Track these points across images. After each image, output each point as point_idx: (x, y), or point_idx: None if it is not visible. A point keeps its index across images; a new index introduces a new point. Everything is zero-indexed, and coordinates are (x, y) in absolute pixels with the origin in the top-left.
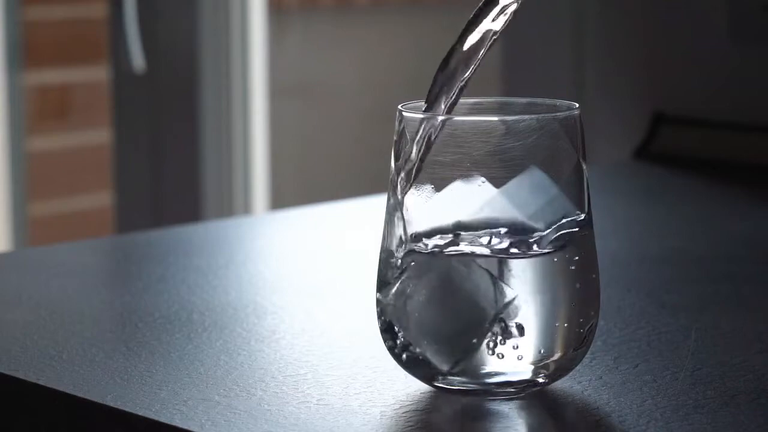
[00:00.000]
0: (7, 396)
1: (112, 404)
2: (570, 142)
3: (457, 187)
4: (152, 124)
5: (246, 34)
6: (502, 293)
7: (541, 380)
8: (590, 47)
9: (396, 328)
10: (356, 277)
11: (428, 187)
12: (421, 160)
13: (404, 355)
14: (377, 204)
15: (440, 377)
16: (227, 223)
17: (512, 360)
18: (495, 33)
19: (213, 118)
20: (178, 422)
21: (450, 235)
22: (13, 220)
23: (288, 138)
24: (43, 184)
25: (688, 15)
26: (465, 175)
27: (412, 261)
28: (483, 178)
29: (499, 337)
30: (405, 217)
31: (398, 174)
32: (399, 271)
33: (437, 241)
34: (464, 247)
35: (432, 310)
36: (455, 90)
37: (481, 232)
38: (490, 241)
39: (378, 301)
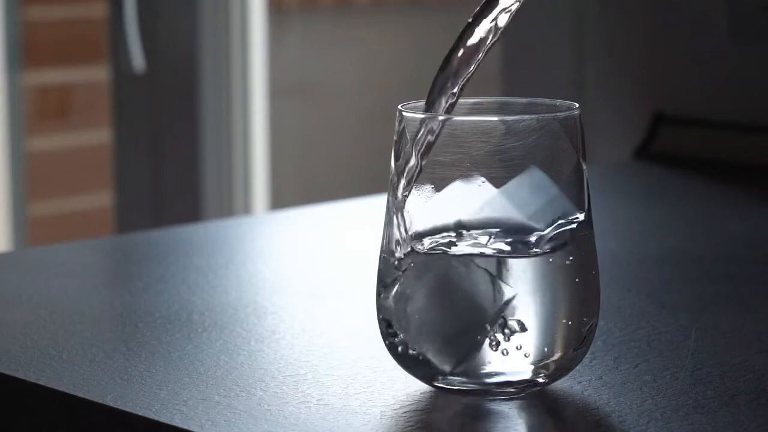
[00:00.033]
0: (7, 396)
1: (112, 404)
2: (570, 142)
3: (457, 187)
4: (152, 124)
5: (246, 34)
6: (501, 292)
7: (541, 380)
8: (590, 47)
9: (396, 329)
10: (356, 277)
11: (428, 187)
12: (422, 160)
13: (405, 356)
14: (377, 204)
15: (440, 377)
16: (227, 223)
17: (516, 358)
18: (496, 33)
19: (213, 118)
20: (178, 422)
21: (450, 235)
22: (13, 220)
23: (288, 138)
24: (43, 184)
25: (688, 15)
26: (465, 175)
27: (412, 261)
28: (483, 178)
29: (501, 336)
30: (405, 218)
31: (398, 174)
32: (399, 272)
33: (437, 241)
34: (464, 247)
35: (432, 311)
36: (456, 90)
37: (481, 232)
38: (489, 241)
39: (378, 302)
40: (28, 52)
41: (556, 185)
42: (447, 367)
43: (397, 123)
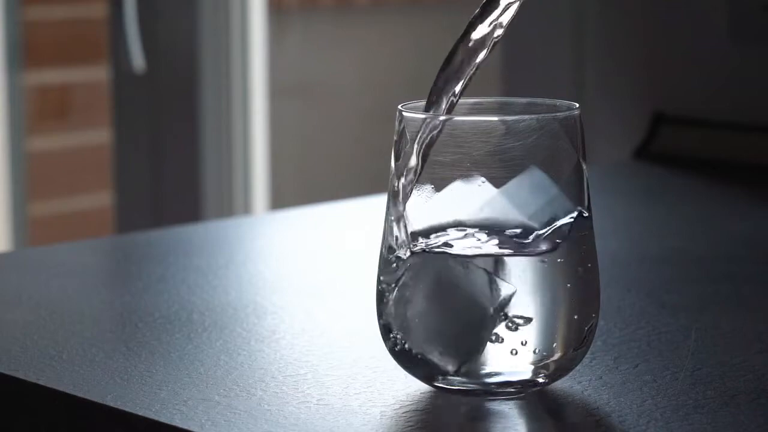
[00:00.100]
0: (7, 396)
1: (112, 404)
2: (570, 142)
3: (457, 187)
4: (152, 124)
5: (246, 34)
6: (498, 290)
7: (541, 380)
8: (590, 47)
9: (397, 330)
10: (356, 277)
11: (428, 187)
12: (423, 159)
13: (405, 356)
14: (377, 204)
15: (440, 377)
16: (227, 223)
17: (516, 358)
18: (497, 33)
19: (213, 118)
20: (178, 422)
21: (449, 235)
22: (13, 220)
23: (288, 138)
24: (43, 184)
25: (688, 15)
26: (465, 175)
27: (412, 262)
28: (483, 178)
29: (506, 333)
30: (405, 218)
31: (398, 174)
32: (399, 272)
33: (437, 241)
34: (463, 247)
35: (433, 312)
36: (458, 89)
37: (480, 231)
38: (489, 241)
39: (378, 303)
40: (28, 52)
41: (556, 185)
42: (451, 368)
43: (397, 123)
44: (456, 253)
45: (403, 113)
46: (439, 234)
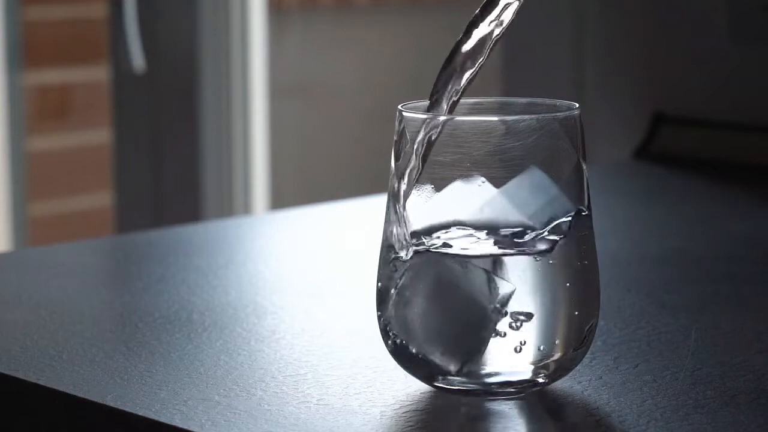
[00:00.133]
0: (7, 396)
1: (112, 404)
2: (570, 142)
3: (457, 187)
4: (152, 124)
5: (246, 34)
6: (498, 288)
7: (541, 380)
8: (590, 47)
9: (397, 331)
10: (356, 277)
11: (428, 187)
12: (423, 159)
13: (405, 356)
14: (377, 204)
15: (440, 377)
16: (227, 223)
17: (516, 358)
18: (498, 31)
19: (213, 118)
20: (178, 422)
21: (449, 236)
22: (13, 220)
23: (288, 138)
24: (43, 184)
25: (688, 15)
26: (465, 175)
27: (412, 262)
28: (483, 178)
29: (508, 330)
30: (405, 218)
31: (398, 174)
32: (399, 272)
33: (437, 241)
34: (463, 248)
35: (433, 313)
36: (458, 89)
37: (480, 232)
38: (489, 241)
39: (378, 303)
40: (28, 52)
41: (556, 185)
42: (453, 367)
43: (397, 123)
44: (455, 253)
45: (403, 113)
46: (438, 234)
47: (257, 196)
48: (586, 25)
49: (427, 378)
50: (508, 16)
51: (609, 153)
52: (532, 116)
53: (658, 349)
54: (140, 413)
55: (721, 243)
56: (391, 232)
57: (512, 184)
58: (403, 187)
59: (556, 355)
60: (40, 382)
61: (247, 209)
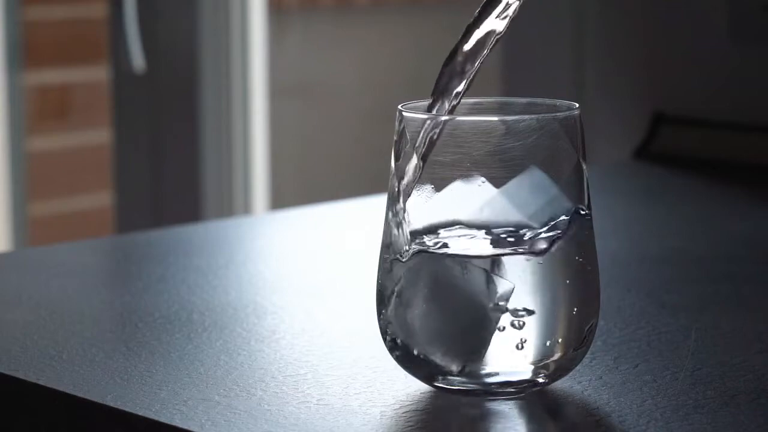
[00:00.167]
0: (7, 396)
1: (112, 404)
2: (570, 142)
3: (457, 187)
4: (152, 124)
5: (246, 34)
6: (496, 287)
7: (541, 380)
8: (590, 47)
9: (398, 331)
10: (356, 277)
11: (428, 187)
12: (424, 159)
13: (406, 356)
14: (377, 204)
15: (440, 377)
16: (227, 223)
17: (521, 356)
18: (499, 30)
19: (213, 118)
20: (178, 422)
21: (449, 236)
22: (13, 220)
23: (288, 138)
24: (43, 184)
25: (688, 15)
26: (465, 175)
27: (411, 263)
28: (483, 178)
29: (510, 328)
30: (405, 218)
31: (398, 174)
32: (398, 275)
33: (437, 241)
34: (463, 248)
35: (433, 314)
36: (460, 89)
37: (480, 232)
38: (490, 242)
39: (378, 304)
40: (28, 52)
41: (556, 185)
42: (455, 368)
43: (397, 123)
44: (454, 254)
45: (403, 113)
46: (438, 234)
47: (257, 196)
48: (586, 25)
49: (427, 378)
50: (508, 16)
51: (609, 153)
52: (532, 116)
53: (658, 349)
54: (140, 413)
55: (721, 243)
56: (391, 232)
57: (512, 184)
58: (404, 187)
59: (556, 355)
60: (40, 382)
61: (247, 209)
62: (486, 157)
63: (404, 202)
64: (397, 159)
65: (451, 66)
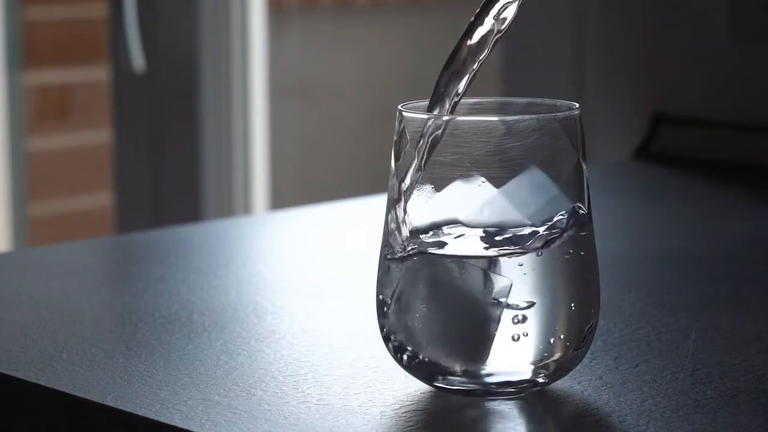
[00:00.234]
0: (7, 396)
1: (112, 404)
2: (570, 142)
3: (457, 187)
4: (152, 124)
5: (246, 34)
6: (493, 284)
7: (541, 380)
8: (590, 47)
9: (398, 333)
10: (356, 277)
11: (428, 187)
12: (424, 160)
13: (408, 360)
14: (377, 204)
15: (440, 377)
16: (227, 223)
17: (521, 356)
18: (500, 27)
19: (213, 118)
20: (178, 422)
21: (448, 236)
22: (13, 220)
23: (288, 138)
24: (43, 184)
25: (688, 15)
26: (465, 175)
27: (410, 265)
28: (483, 178)
29: (511, 322)
30: (405, 218)
31: (398, 174)
32: (398, 277)
33: (437, 241)
34: (463, 248)
35: (433, 315)
36: (460, 88)
37: (480, 232)
38: (490, 241)
39: (378, 304)
40: (28, 52)
41: (556, 185)
42: (458, 368)
43: (397, 123)
44: (453, 254)
45: (403, 113)
46: (438, 234)
47: (257, 196)
48: (586, 25)
49: (427, 378)
50: (508, 15)
51: (609, 153)
52: (532, 116)
53: (658, 349)
54: (140, 413)
55: (721, 243)
56: (391, 232)
57: (512, 184)
58: (403, 189)
59: (556, 355)
60: (40, 382)
61: (247, 209)
62: (486, 157)
63: (404, 202)
64: (397, 159)
65: (452, 66)
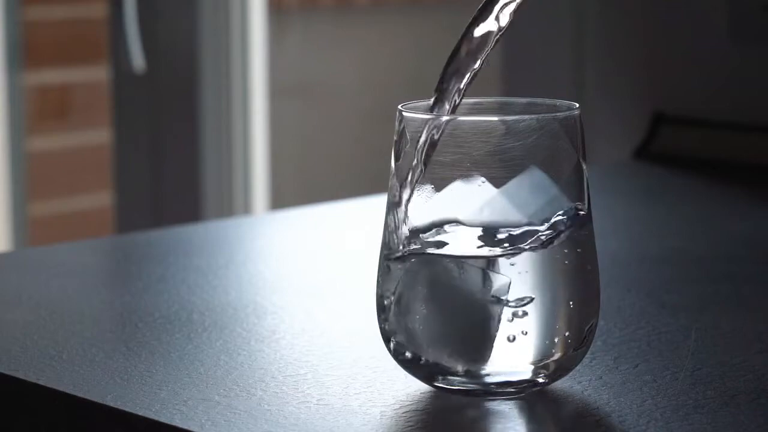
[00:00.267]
0: (7, 396)
1: (112, 404)
2: (570, 142)
3: (457, 187)
4: (152, 124)
5: (246, 34)
6: (492, 283)
7: (541, 380)
8: (590, 47)
9: (398, 333)
10: (356, 277)
11: (428, 187)
12: (425, 160)
13: (409, 361)
14: (377, 204)
15: (440, 377)
16: (227, 223)
17: (521, 355)
18: (501, 24)
19: (213, 118)
20: (178, 422)
21: (448, 236)
22: (13, 220)
23: (288, 138)
24: (43, 184)
25: (688, 15)
26: (465, 175)
27: (410, 266)
28: (483, 178)
29: (512, 318)
30: (405, 218)
31: (399, 174)
32: (398, 278)
33: (434, 242)
34: (463, 248)
35: (434, 318)
36: (461, 88)
37: (480, 231)
38: (489, 241)
39: (378, 305)
40: (28, 52)
41: (556, 185)
42: (461, 368)
43: (397, 123)
44: (453, 254)
45: (403, 113)
46: (437, 234)
47: (257, 196)
48: (586, 25)
49: (427, 378)
50: (508, 15)
51: (609, 153)
52: (532, 116)
53: (658, 349)
54: (140, 413)
55: (721, 243)
56: (391, 232)
57: (512, 184)
58: (403, 189)
59: (556, 355)
60: (40, 382)
61: (247, 209)
62: (486, 157)
63: (404, 202)
64: (397, 159)
65: (453, 66)
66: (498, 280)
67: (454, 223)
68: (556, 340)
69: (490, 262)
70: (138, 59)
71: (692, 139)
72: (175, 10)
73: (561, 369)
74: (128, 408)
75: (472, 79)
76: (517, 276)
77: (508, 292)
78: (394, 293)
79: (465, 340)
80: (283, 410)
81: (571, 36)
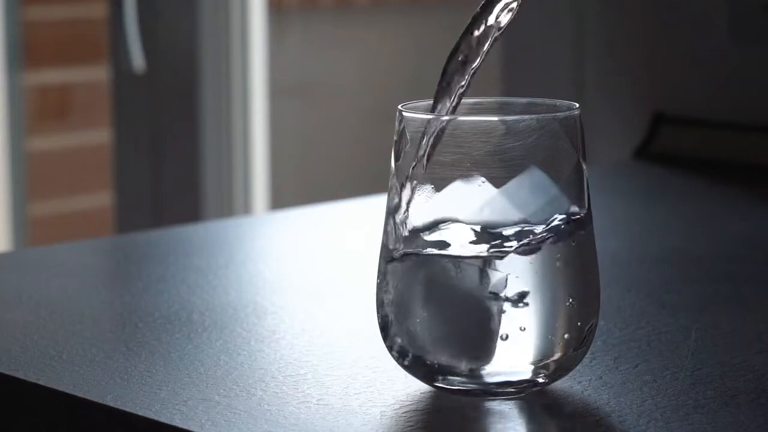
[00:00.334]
0: (7, 396)
1: (112, 404)
2: (570, 142)
3: (457, 187)
4: (152, 124)
5: (246, 34)
6: (489, 280)
7: (541, 380)
8: (590, 47)
9: (399, 334)
10: (356, 277)
11: (428, 187)
12: (426, 160)
13: (410, 361)
14: (377, 204)
15: (440, 377)
16: (227, 223)
17: (521, 355)
18: (501, 21)
19: (213, 118)
20: (178, 422)
21: (448, 236)
22: (13, 220)
23: (288, 138)
24: (43, 184)
25: (688, 15)
26: (465, 175)
27: (411, 263)
28: (483, 178)
29: (511, 315)
30: (405, 218)
31: (398, 174)
32: (397, 278)
33: (433, 242)
34: (463, 248)
35: (434, 318)
36: (462, 87)
37: (479, 231)
38: (490, 242)
39: (378, 305)
40: (28, 52)
41: (556, 185)
42: (463, 367)
43: (397, 123)
44: (453, 254)
45: (403, 113)
46: (437, 234)
47: (257, 196)
48: (586, 25)
49: (427, 378)
50: (508, 15)
51: (609, 153)
52: (532, 116)
53: (658, 349)
54: (140, 413)
55: (721, 243)
56: (391, 232)
57: (512, 184)
58: (405, 189)
59: (556, 355)
60: (40, 382)
61: (247, 209)
62: (486, 157)
63: (405, 202)
64: (397, 159)
65: (453, 65)
66: (494, 276)
67: (454, 223)
68: (556, 339)
69: (491, 262)
70: (138, 59)
71: (692, 139)
72: (175, 10)
73: (561, 369)
74: (128, 408)
75: (471, 78)
76: (517, 276)
77: (505, 286)
78: (394, 293)
79: (466, 338)
80: (283, 410)
81: (571, 36)
